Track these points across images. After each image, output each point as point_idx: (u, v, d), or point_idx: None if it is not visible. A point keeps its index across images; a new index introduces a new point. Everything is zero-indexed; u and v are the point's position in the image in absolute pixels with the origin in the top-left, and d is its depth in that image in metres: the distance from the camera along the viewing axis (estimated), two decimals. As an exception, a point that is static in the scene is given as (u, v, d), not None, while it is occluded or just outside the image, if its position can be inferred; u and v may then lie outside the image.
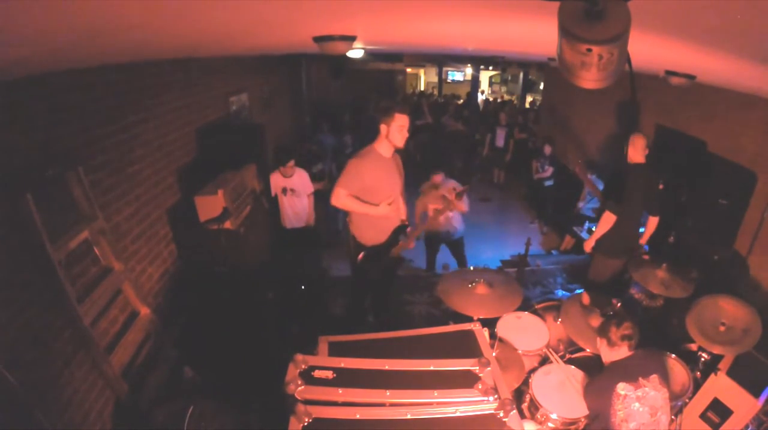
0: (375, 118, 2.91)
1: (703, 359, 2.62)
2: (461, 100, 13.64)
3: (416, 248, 4.89)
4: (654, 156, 4.14)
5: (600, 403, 2.03)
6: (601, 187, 5.60)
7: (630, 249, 3.43)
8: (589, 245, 3.53)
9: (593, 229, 5.46)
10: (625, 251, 3.39)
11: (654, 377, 2.00)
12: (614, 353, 2.11)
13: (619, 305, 2.84)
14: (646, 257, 3.30)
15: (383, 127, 2.77)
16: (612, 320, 2.14)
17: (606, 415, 1.96)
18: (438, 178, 4.41)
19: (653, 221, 3.37)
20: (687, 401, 2.44)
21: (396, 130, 2.74)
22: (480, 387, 1.60)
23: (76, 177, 2.14)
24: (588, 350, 2.64)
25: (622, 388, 1.95)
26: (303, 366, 1.66)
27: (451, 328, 2.11)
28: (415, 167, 6.66)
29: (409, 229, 3.16)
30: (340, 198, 2.79)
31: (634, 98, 4.37)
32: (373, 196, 2.82)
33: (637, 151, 3.22)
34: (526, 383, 2.49)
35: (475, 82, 11.62)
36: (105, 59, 2.22)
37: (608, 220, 3.27)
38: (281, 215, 4.60)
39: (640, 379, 1.97)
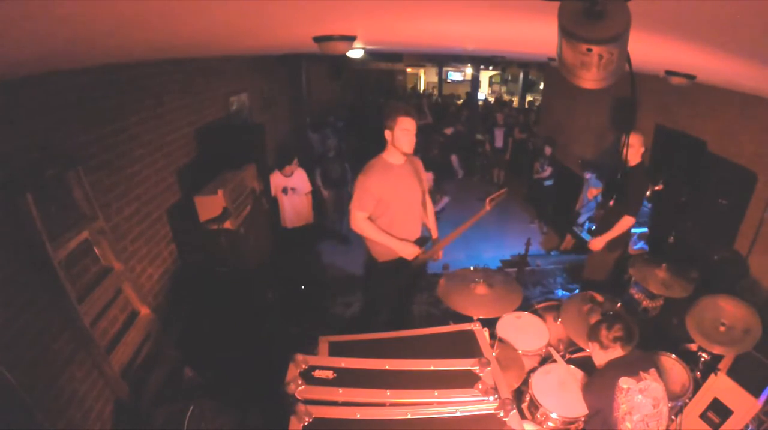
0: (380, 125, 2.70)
1: (703, 359, 2.62)
2: (461, 101, 13.65)
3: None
4: (654, 156, 4.16)
5: (600, 399, 2.03)
6: (599, 186, 5.61)
7: (625, 242, 3.60)
8: (598, 245, 3.55)
9: (593, 228, 5.44)
10: (622, 245, 3.55)
11: (653, 371, 2.02)
12: (607, 355, 2.11)
13: (619, 305, 2.83)
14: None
15: (388, 134, 2.62)
16: (602, 323, 2.14)
17: (607, 411, 1.97)
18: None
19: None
20: (687, 401, 2.44)
21: (401, 135, 2.59)
22: (480, 387, 1.59)
23: (76, 177, 2.14)
24: (588, 350, 2.64)
25: (624, 382, 1.95)
26: (303, 366, 1.66)
27: (451, 328, 2.11)
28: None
29: (433, 238, 2.98)
30: (358, 222, 2.63)
31: (633, 98, 4.39)
32: (388, 209, 2.67)
33: (639, 152, 3.29)
34: (526, 382, 2.49)
35: (475, 82, 11.61)
36: (105, 59, 2.22)
37: (627, 223, 3.36)
38: (281, 215, 4.61)
39: (641, 372, 1.98)
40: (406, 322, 3.26)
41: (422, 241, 2.86)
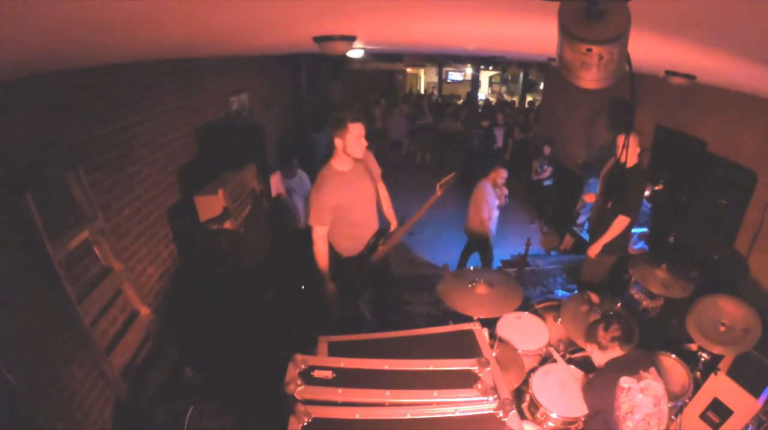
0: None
1: (703, 359, 2.62)
2: (461, 100, 13.64)
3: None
4: (654, 156, 4.15)
5: (601, 399, 2.03)
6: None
7: (624, 246, 3.54)
8: (595, 251, 3.53)
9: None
10: (620, 249, 3.51)
11: (653, 370, 2.02)
12: (606, 355, 2.11)
13: (619, 305, 2.83)
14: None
15: (338, 142, 2.61)
16: (600, 324, 2.13)
17: (608, 410, 1.97)
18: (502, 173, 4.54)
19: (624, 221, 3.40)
20: (687, 401, 2.44)
21: (353, 142, 2.59)
22: (479, 387, 1.59)
23: (76, 177, 2.13)
24: (588, 350, 2.64)
25: (625, 381, 1.95)
26: (303, 366, 1.66)
27: (451, 328, 2.11)
28: (416, 168, 6.64)
29: (392, 228, 3.07)
30: (317, 239, 2.71)
31: (633, 98, 4.39)
32: (348, 214, 2.74)
33: (635, 153, 3.29)
34: (525, 382, 2.49)
35: (475, 82, 11.60)
36: (105, 59, 2.22)
37: (622, 223, 3.32)
38: (295, 215, 4.58)
39: (641, 371, 1.98)
40: (391, 320, 3.29)
41: (380, 232, 2.93)
